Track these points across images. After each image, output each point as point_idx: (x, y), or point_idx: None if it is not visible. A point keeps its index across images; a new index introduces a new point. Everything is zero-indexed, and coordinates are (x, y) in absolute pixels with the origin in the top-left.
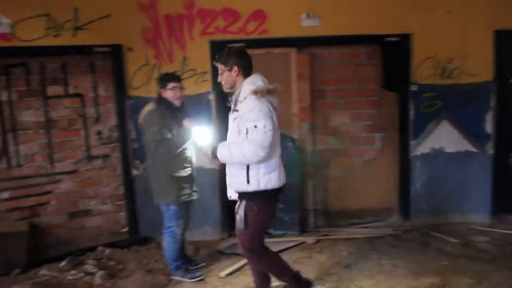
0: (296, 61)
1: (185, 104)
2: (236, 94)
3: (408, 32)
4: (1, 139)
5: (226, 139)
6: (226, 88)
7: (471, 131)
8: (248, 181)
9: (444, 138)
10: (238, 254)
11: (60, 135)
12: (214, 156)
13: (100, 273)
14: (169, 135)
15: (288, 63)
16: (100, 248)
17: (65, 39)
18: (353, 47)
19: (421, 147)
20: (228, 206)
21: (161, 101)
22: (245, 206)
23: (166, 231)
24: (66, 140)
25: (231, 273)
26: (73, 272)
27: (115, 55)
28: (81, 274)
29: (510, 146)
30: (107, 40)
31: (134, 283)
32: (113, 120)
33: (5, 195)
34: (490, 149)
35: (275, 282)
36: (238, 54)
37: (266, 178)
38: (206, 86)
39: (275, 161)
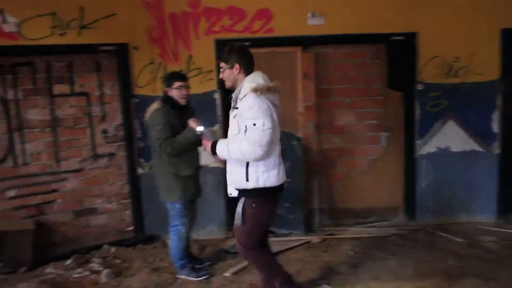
0: (301, 60)
1: (191, 103)
2: (236, 91)
3: (414, 31)
4: (8, 137)
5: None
6: (228, 85)
7: (478, 130)
8: (247, 179)
9: (450, 137)
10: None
11: (66, 133)
12: (213, 151)
13: (105, 271)
14: (173, 134)
15: (293, 62)
16: (105, 246)
17: (71, 38)
18: (358, 46)
19: (427, 147)
20: (234, 205)
21: (167, 100)
22: (244, 203)
23: (172, 230)
24: (72, 139)
25: (236, 272)
26: (79, 270)
27: (121, 54)
28: (87, 273)
29: None
30: (113, 39)
31: (140, 282)
32: (118, 119)
33: (12, 193)
34: (496, 149)
35: None
36: (239, 52)
37: (265, 176)
38: (212, 85)
39: (274, 159)
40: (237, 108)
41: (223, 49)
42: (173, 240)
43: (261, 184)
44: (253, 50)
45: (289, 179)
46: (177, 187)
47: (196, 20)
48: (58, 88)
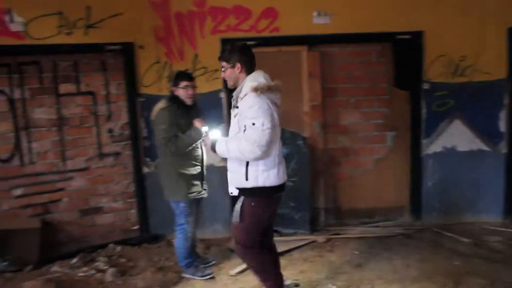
0: (307, 59)
1: (197, 103)
2: (237, 90)
3: (420, 30)
4: (14, 136)
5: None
6: (229, 84)
7: (484, 129)
8: (246, 178)
9: (457, 137)
10: None
11: (72, 132)
12: (213, 149)
13: (111, 270)
14: (178, 133)
15: (299, 61)
16: (111, 245)
17: (77, 37)
18: (364, 45)
19: (433, 146)
20: None
21: (173, 99)
22: (243, 201)
23: (177, 229)
24: (78, 138)
25: (241, 271)
26: (84, 269)
27: (127, 53)
28: (93, 271)
29: None
30: (119, 38)
31: (145, 281)
32: (124, 118)
33: (18, 192)
34: (503, 148)
35: (287, 280)
36: (241, 51)
37: (265, 175)
38: (217, 84)
39: (274, 158)
40: (237, 107)
41: (225, 48)
42: (179, 239)
43: (261, 183)
44: (258, 49)
45: (294, 179)
46: (182, 186)
47: (202, 19)
48: (64, 87)
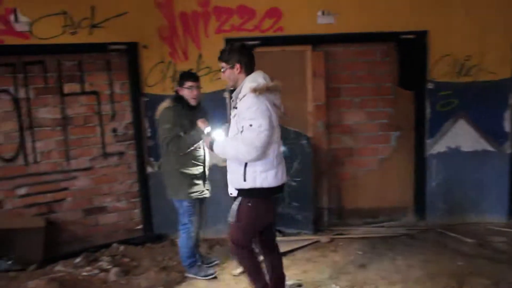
0: (311, 58)
1: (202, 103)
2: (237, 91)
3: (425, 29)
4: (19, 136)
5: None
6: (229, 85)
7: (489, 130)
8: (244, 179)
9: (461, 137)
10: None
11: (76, 132)
12: (211, 148)
13: (114, 269)
14: (181, 133)
15: (303, 60)
16: (114, 245)
17: (81, 37)
18: (368, 44)
19: (438, 146)
20: None
21: (177, 99)
22: (240, 201)
23: (181, 228)
24: (82, 137)
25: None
26: (88, 268)
27: (131, 53)
28: (96, 271)
29: None
30: (123, 37)
31: (148, 280)
32: (128, 118)
33: (23, 191)
34: (508, 148)
35: (289, 281)
36: (239, 52)
37: (263, 176)
38: (221, 84)
39: (273, 159)
40: (236, 108)
41: (224, 49)
42: (182, 239)
43: (258, 184)
44: (263, 49)
45: (298, 178)
46: (184, 185)
47: (206, 19)
48: (69, 87)
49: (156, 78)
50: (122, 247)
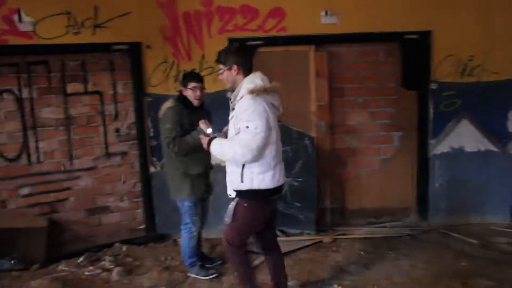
0: (314, 58)
1: (206, 104)
2: (235, 92)
3: (428, 29)
4: (22, 135)
5: None
6: (227, 87)
7: (492, 130)
8: (242, 180)
9: (464, 137)
10: (254, 252)
11: (79, 132)
12: (209, 149)
13: (117, 269)
14: (182, 134)
15: (306, 60)
16: (117, 244)
17: (85, 37)
18: (371, 44)
19: (441, 146)
20: None
21: (180, 99)
22: (237, 201)
23: (183, 228)
24: (85, 137)
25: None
26: (90, 268)
27: (134, 53)
28: (99, 270)
29: None
30: (126, 37)
31: (151, 280)
32: (131, 118)
33: (26, 190)
34: (511, 149)
35: (291, 281)
36: (237, 53)
37: (260, 177)
38: (224, 84)
39: (270, 161)
40: (234, 109)
41: (221, 51)
42: (184, 238)
43: (256, 186)
44: (266, 49)
45: (301, 178)
46: (186, 185)
47: (209, 19)
48: (72, 87)
49: (159, 78)
50: (124, 247)
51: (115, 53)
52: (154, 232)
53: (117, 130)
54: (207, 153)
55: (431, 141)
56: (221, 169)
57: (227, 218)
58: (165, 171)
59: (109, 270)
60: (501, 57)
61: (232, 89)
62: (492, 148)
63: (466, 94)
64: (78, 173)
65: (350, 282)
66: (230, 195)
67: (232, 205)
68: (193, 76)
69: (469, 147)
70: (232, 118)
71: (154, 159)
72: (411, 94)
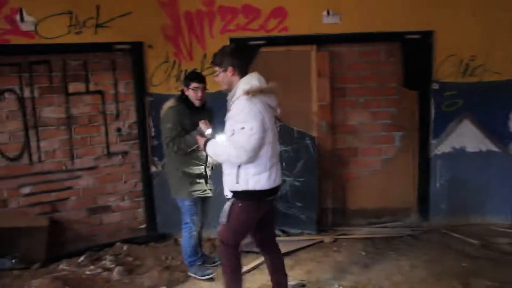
0: (315, 58)
1: (208, 104)
2: (231, 93)
3: (430, 29)
4: (23, 135)
5: None
6: (224, 88)
7: (494, 130)
8: (237, 181)
9: (466, 137)
10: (255, 252)
11: (80, 131)
12: (204, 148)
13: (118, 268)
14: (182, 133)
15: (308, 60)
16: (118, 244)
17: (86, 37)
18: (373, 44)
19: (442, 146)
20: None
21: (182, 99)
22: (233, 201)
23: (183, 227)
24: (86, 137)
25: (248, 271)
26: (91, 267)
27: (136, 52)
28: (99, 270)
29: None
30: (128, 37)
31: (152, 280)
32: (132, 117)
33: (27, 190)
34: None
35: (292, 281)
36: (232, 54)
37: (255, 179)
38: None
39: (266, 162)
40: (230, 110)
41: (216, 52)
42: (184, 237)
43: (251, 187)
44: (267, 49)
45: (302, 178)
46: (186, 185)
47: (211, 18)
48: (74, 86)
49: (160, 77)
50: (125, 246)
51: (116, 52)
52: (155, 232)
53: (119, 130)
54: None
55: (433, 141)
56: (221, 171)
57: (222, 218)
58: (166, 170)
59: (110, 270)
60: (502, 57)
61: (229, 91)
62: (494, 148)
63: (467, 94)
64: (79, 173)
65: (351, 282)
66: (226, 195)
67: (227, 205)
68: (195, 77)
69: (471, 147)
70: (228, 119)
71: (155, 158)
72: (413, 94)
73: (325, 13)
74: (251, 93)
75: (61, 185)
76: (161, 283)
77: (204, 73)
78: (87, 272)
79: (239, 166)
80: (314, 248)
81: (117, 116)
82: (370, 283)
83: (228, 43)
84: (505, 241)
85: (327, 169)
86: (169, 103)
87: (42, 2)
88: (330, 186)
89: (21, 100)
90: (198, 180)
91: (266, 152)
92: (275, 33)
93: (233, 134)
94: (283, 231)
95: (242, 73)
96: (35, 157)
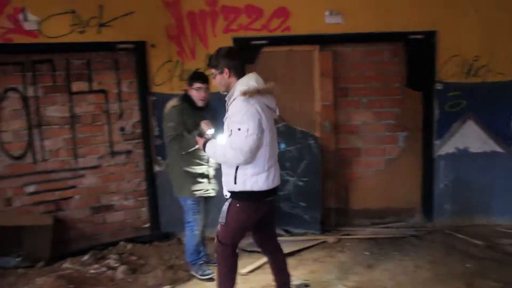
0: (318, 58)
1: (212, 104)
2: (229, 94)
3: (433, 30)
4: (27, 134)
5: None
6: (221, 90)
7: (498, 131)
8: (235, 182)
9: (470, 138)
10: (259, 252)
11: (84, 130)
12: (203, 149)
13: (122, 267)
14: (184, 133)
15: (311, 60)
16: (122, 243)
17: (90, 36)
18: (376, 44)
19: (446, 147)
20: None
21: (184, 98)
22: (230, 202)
23: (186, 226)
24: (90, 136)
25: (252, 271)
26: (95, 266)
27: (139, 52)
28: (104, 269)
29: None
30: (131, 36)
31: (155, 279)
32: (136, 116)
33: (31, 188)
34: None
35: (295, 281)
36: (227, 56)
37: (253, 179)
38: None
39: (264, 162)
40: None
41: (211, 55)
42: (187, 236)
43: (248, 187)
44: (270, 49)
45: (305, 178)
46: (188, 183)
47: (214, 18)
48: (77, 86)
49: (163, 77)
50: (129, 245)
51: (119, 52)
52: (158, 231)
53: (122, 129)
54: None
55: (436, 142)
56: None
57: (221, 219)
58: (169, 169)
59: (114, 268)
60: (506, 57)
61: (227, 93)
62: (498, 149)
63: (471, 95)
64: (83, 172)
65: (354, 282)
66: (226, 195)
67: (225, 206)
68: (199, 77)
69: (474, 148)
70: (226, 119)
71: (159, 158)
72: (416, 94)
73: (327, 13)
74: (248, 94)
75: (65, 184)
76: (165, 282)
77: (207, 72)
78: (91, 271)
79: (237, 167)
80: (318, 248)
81: (121, 115)
82: (374, 284)
83: (231, 42)
84: (510, 242)
85: (331, 169)
86: (172, 102)
87: (45, 1)
88: (333, 186)
89: (24, 99)
90: (200, 180)
91: (264, 153)
92: (277, 33)
93: (230, 135)
94: (287, 231)
95: (239, 74)
96: (39, 156)
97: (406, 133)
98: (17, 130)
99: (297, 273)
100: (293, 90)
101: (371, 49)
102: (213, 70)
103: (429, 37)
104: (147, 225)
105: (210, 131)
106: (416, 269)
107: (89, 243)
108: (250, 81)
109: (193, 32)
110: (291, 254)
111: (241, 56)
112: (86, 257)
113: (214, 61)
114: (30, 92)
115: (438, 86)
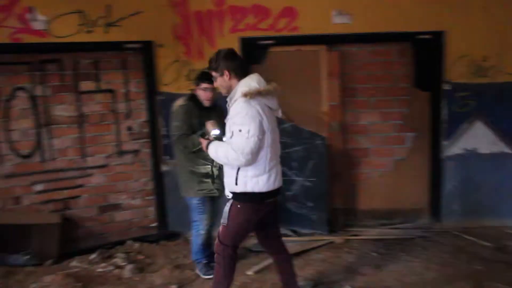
0: (326, 58)
1: (219, 104)
2: (231, 95)
3: (441, 30)
4: (35, 133)
5: None
6: (223, 92)
7: (507, 132)
8: (236, 183)
9: (478, 138)
10: (263, 252)
11: (91, 130)
12: (206, 149)
13: (129, 266)
14: (189, 132)
15: (318, 60)
16: (129, 242)
17: (97, 36)
18: (384, 44)
19: (454, 148)
20: None
21: (192, 98)
22: (232, 203)
23: (192, 225)
24: (98, 135)
25: (258, 271)
26: (103, 264)
27: (146, 52)
28: (111, 267)
29: None
30: (139, 36)
31: (162, 278)
32: (143, 116)
33: (39, 187)
34: None
35: (303, 281)
36: (226, 58)
37: (254, 181)
38: None
39: (265, 164)
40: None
41: (211, 58)
42: (193, 235)
43: (249, 189)
44: (277, 49)
45: (312, 179)
46: (193, 183)
47: (221, 18)
48: (85, 85)
49: (171, 76)
50: (136, 244)
51: (127, 51)
52: (165, 230)
53: (129, 128)
54: None
55: (445, 143)
56: None
57: (223, 219)
58: (176, 169)
59: (121, 267)
60: None
61: (229, 94)
62: (506, 150)
63: (480, 95)
64: (90, 171)
65: (362, 283)
66: (228, 196)
67: (227, 206)
68: (205, 77)
69: (483, 149)
70: (227, 121)
71: (166, 157)
72: (424, 94)
73: (335, 13)
74: (249, 95)
75: (73, 183)
76: (172, 281)
77: None
78: (99, 269)
79: (238, 168)
80: (325, 249)
81: (128, 114)
82: (381, 285)
83: (238, 42)
84: None
85: (338, 170)
86: (179, 101)
87: (53, 1)
88: (341, 186)
89: (32, 98)
90: (204, 179)
91: (265, 154)
92: (285, 33)
93: (231, 136)
94: (294, 231)
95: (240, 75)
96: (47, 155)
97: (414, 134)
98: (26, 129)
99: (304, 273)
100: (301, 90)
101: (378, 49)
102: (213, 73)
103: (437, 37)
104: (154, 224)
105: (215, 132)
106: (424, 270)
107: (97, 242)
108: (251, 82)
109: (200, 32)
110: (298, 254)
111: (241, 58)
112: (93, 256)
113: (213, 64)
114: (39, 91)
115: (446, 87)
